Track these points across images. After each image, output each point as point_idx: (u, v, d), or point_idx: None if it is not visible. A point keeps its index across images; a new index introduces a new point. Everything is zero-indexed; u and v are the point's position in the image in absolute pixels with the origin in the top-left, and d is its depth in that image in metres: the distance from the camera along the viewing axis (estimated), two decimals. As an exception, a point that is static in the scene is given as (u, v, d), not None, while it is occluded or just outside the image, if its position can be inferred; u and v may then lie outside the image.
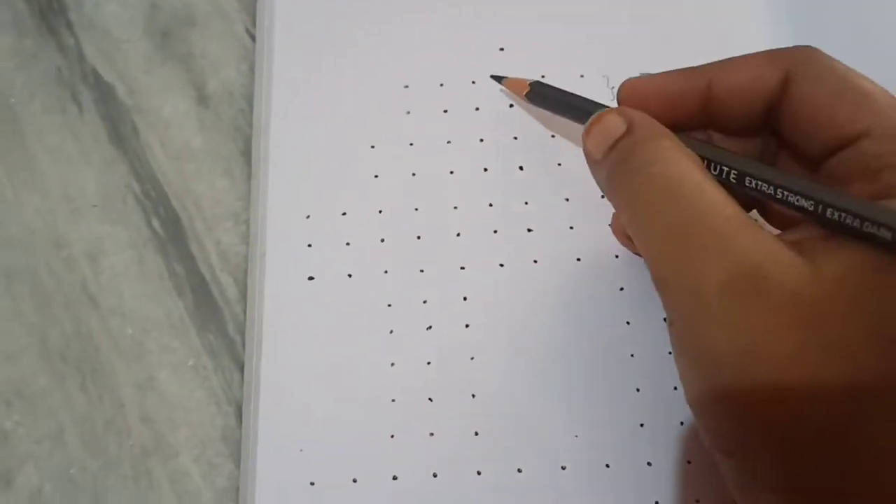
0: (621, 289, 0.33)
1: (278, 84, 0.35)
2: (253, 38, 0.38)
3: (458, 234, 0.33)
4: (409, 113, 0.35)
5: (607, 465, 0.31)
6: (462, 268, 0.33)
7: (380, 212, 0.33)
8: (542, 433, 0.31)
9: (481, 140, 0.34)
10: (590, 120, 0.26)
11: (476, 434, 0.31)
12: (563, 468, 0.31)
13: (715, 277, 0.21)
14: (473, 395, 0.31)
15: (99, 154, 0.36)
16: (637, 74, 0.34)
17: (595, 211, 0.33)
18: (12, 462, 0.32)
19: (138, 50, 0.37)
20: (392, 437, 0.31)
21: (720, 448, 0.22)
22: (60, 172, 0.35)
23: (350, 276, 0.33)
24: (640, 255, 0.32)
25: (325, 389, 0.31)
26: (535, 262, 0.33)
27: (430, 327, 0.32)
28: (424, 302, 0.32)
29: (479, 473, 0.31)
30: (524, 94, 0.32)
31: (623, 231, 0.31)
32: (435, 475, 0.31)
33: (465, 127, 0.35)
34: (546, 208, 0.34)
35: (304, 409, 0.31)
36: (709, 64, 0.26)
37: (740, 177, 0.24)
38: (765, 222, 0.29)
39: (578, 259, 0.33)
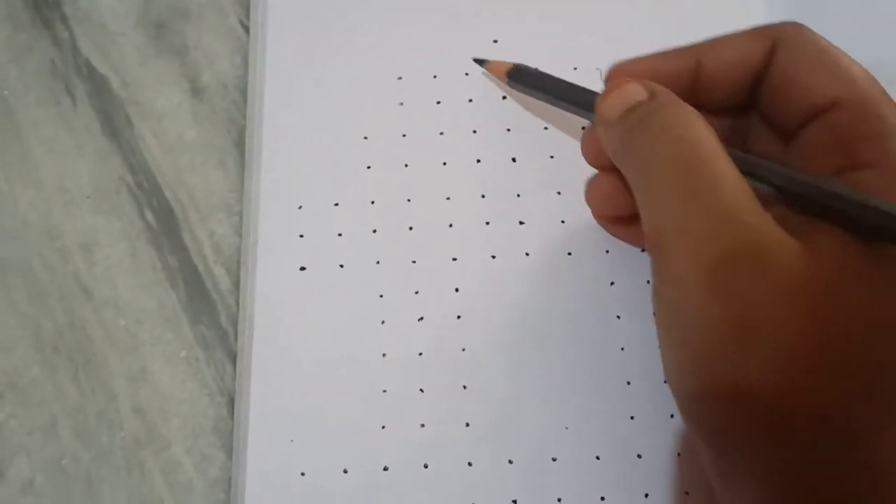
0: (612, 283, 0.32)
1: (272, 75, 0.35)
2: (247, 30, 0.38)
3: (451, 226, 0.33)
4: (402, 104, 0.35)
5: (598, 458, 0.31)
6: (454, 259, 0.33)
7: (372, 202, 0.33)
8: (532, 425, 0.31)
9: (474, 131, 0.34)
10: (608, 87, 0.26)
11: (467, 425, 0.31)
12: (554, 460, 0.31)
13: (717, 247, 0.21)
14: (465, 387, 0.31)
15: (92, 146, 0.36)
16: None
17: (587, 205, 0.33)
18: (4, 454, 0.32)
19: (132, 42, 0.37)
20: (383, 427, 0.31)
21: (701, 432, 0.22)
22: (54, 164, 0.35)
23: (342, 266, 0.33)
24: (617, 237, 0.32)
25: (316, 380, 0.31)
26: (527, 254, 0.33)
27: (421, 318, 0.32)
28: (416, 293, 0.32)
29: (469, 465, 0.31)
30: (506, 75, 0.32)
31: (594, 151, 0.30)
32: (426, 466, 0.31)
33: (458, 118, 0.35)
34: (538, 201, 0.33)
35: (295, 400, 0.31)
36: (697, 43, 0.26)
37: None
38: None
39: (569, 253, 0.33)
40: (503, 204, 0.34)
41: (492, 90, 0.35)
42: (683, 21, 0.36)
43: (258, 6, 0.36)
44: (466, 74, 0.35)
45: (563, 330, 0.32)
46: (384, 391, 0.31)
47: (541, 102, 0.31)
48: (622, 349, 0.32)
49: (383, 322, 0.32)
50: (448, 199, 0.33)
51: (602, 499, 0.30)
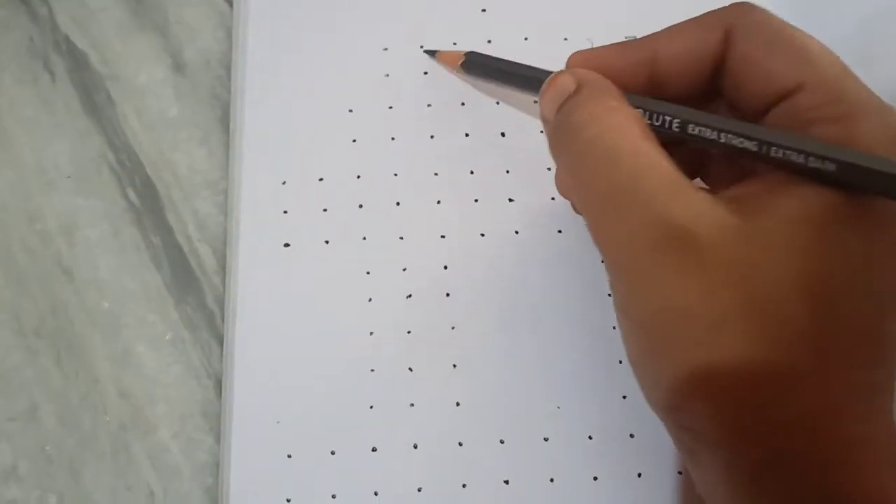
0: (603, 261, 0.32)
1: (254, 49, 0.34)
2: (230, 3, 0.37)
3: (439, 202, 0.32)
4: (388, 76, 0.34)
5: (590, 437, 0.30)
6: (442, 236, 0.32)
7: (358, 177, 0.33)
8: (524, 404, 0.30)
9: (462, 104, 0.33)
10: (547, 80, 0.26)
11: (457, 405, 0.30)
12: (546, 440, 0.30)
13: (645, 239, 0.21)
14: (455, 365, 0.31)
15: (72, 124, 0.35)
16: (623, 38, 0.33)
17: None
18: (-14, 439, 0.31)
19: (112, 17, 0.36)
20: (371, 408, 0.30)
21: (657, 403, 0.23)
22: (33, 144, 0.35)
23: (327, 242, 0.32)
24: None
25: (302, 360, 0.31)
26: (517, 232, 0.32)
27: (409, 296, 0.31)
28: (404, 270, 0.32)
29: (460, 445, 0.30)
30: (459, 65, 0.31)
31: (566, 189, 0.30)
32: (415, 446, 0.30)
33: (446, 90, 0.34)
34: (528, 177, 0.33)
35: (281, 380, 0.31)
36: (651, 35, 0.25)
37: (683, 125, 0.23)
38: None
39: (560, 231, 0.32)
40: (492, 180, 0.33)
41: (481, 62, 0.34)
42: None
43: (240, -22, 0.35)
44: (455, 44, 0.34)
45: (554, 308, 0.31)
46: (372, 370, 0.31)
47: None
48: (613, 328, 0.31)
49: (370, 300, 0.31)
50: (436, 174, 0.33)
51: (594, 478, 0.30)
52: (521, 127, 0.33)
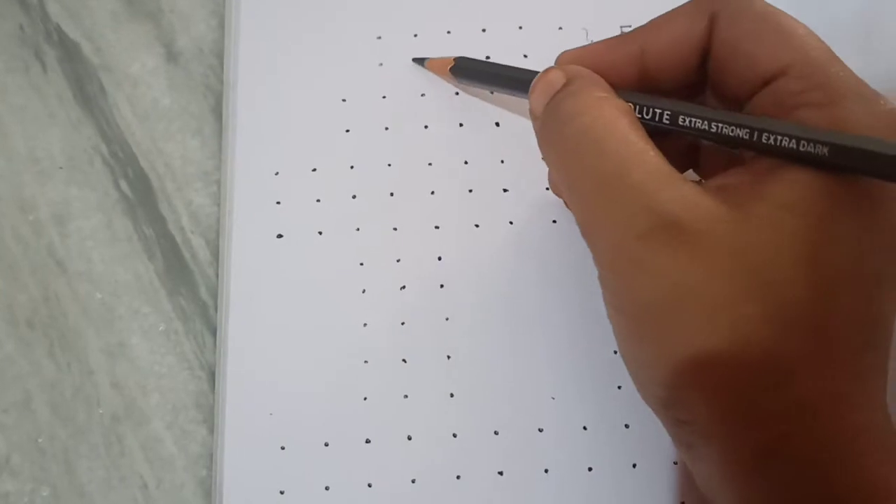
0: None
1: (247, 38, 0.34)
2: (223, -9, 0.36)
3: (433, 193, 0.32)
4: (381, 65, 0.34)
5: (584, 428, 0.30)
6: (436, 227, 0.32)
7: (351, 167, 0.32)
8: (518, 395, 0.30)
9: (456, 94, 0.33)
10: (537, 76, 0.26)
11: (452, 396, 0.30)
12: (541, 430, 0.30)
13: (634, 230, 0.21)
14: (449, 357, 0.31)
15: (65, 114, 0.35)
16: (618, 27, 0.33)
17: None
18: (-21, 431, 0.31)
19: (104, 6, 0.36)
20: (365, 399, 0.30)
21: (653, 398, 0.23)
22: (25, 134, 0.34)
23: (321, 233, 0.32)
24: None
25: (295, 351, 0.31)
26: (511, 223, 0.32)
27: (403, 287, 0.31)
28: (398, 261, 0.31)
29: (454, 436, 0.30)
30: (448, 70, 0.32)
31: (558, 186, 0.31)
32: (410, 438, 0.30)
33: (440, 80, 0.33)
34: (522, 168, 0.32)
35: (274, 372, 0.30)
36: (638, 28, 0.25)
37: (673, 117, 0.23)
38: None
39: (554, 221, 0.32)
40: (486, 171, 0.32)
41: (475, 52, 0.33)
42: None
43: (233, -34, 0.35)
44: (448, 33, 0.34)
45: (548, 299, 0.31)
46: (365, 362, 0.31)
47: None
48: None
49: (364, 291, 0.31)
50: (430, 164, 0.32)
51: (589, 469, 0.30)
52: (515, 117, 0.33)
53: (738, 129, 0.22)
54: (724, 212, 0.21)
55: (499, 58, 0.33)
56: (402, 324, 0.31)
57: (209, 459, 0.31)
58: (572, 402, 0.30)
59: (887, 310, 0.21)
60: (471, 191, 0.32)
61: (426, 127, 0.33)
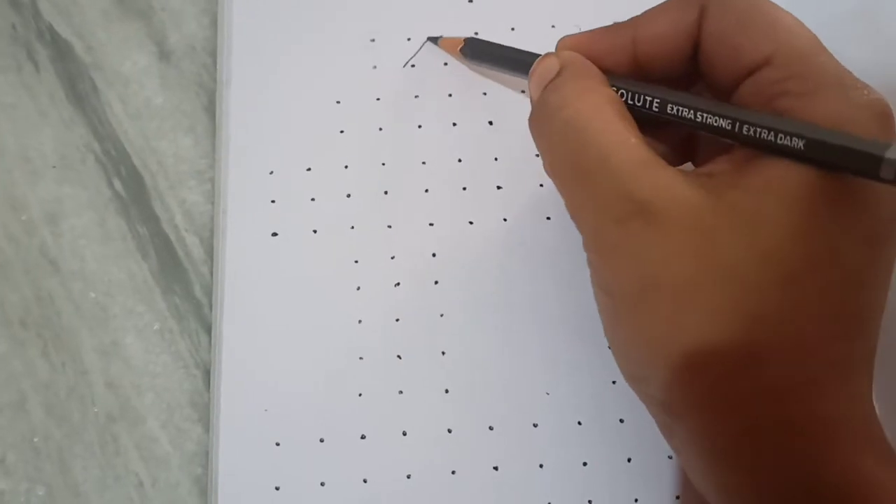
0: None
1: (240, 37, 0.34)
2: (215, -10, 0.36)
3: (427, 191, 0.32)
4: (375, 67, 0.34)
5: (579, 423, 0.30)
6: (431, 224, 0.32)
7: (346, 167, 0.32)
8: (513, 390, 0.30)
9: (450, 95, 0.33)
10: (534, 64, 0.26)
11: (446, 392, 0.30)
12: (535, 425, 0.30)
13: (612, 215, 0.22)
14: (443, 353, 0.31)
15: (57, 113, 0.35)
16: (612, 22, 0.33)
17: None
18: (-27, 430, 0.31)
19: (96, 4, 0.36)
20: (360, 395, 0.30)
21: (627, 373, 0.24)
22: (17, 133, 0.34)
23: (315, 232, 0.32)
24: None
25: (290, 348, 0.31)
26: (505, 220, 0.32)
27: (398, 284, 0.31)
28: (392, 258, 0.32)
29: (449, 431, 0.30)
30: (458, 50, 0.32)
31: None
32: (405, 434, 0.30)
33: (433, 81, 0.34)
34: (516, 165, 0.33)
35: (269, 369, 0.31)
36: (631, 19, 0.26)
37: (662, 104, 0.24)
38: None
39: (548, 218, 0.32)
40: (480, 168, 0.33)
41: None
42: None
43: (225, -35, 0.35)
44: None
45: (542, 295, 0.31)
46: (360, 358, 0.31)
47: None
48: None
49: (359, 288, 0.31)
50: (424, 163, 0.33)
51: (584, 464, 0.30)
52: (508, 116, 0.33)
53: (720, 119, 0.23)
54: (698, 198, 0.21)
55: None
56: (397, 320, 0.31)
57: (204, 458, 0.31)
58: (567, 398, 0.30)
59: (867, 303, 0.22)
60: (465, 188, 0.32)
61: (420, 126, 0.33)
